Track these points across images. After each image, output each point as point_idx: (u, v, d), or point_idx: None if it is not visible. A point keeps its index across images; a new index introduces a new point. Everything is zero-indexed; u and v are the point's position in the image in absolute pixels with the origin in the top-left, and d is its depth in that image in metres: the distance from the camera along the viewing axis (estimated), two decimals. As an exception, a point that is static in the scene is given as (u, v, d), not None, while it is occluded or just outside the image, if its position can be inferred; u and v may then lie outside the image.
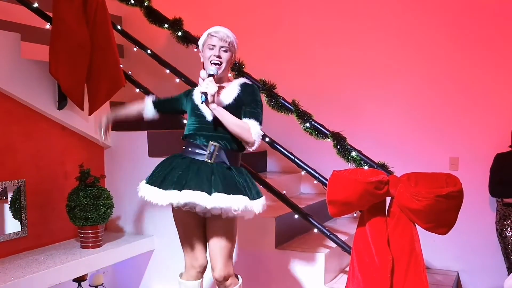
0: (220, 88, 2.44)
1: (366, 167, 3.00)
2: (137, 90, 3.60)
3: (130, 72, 3.64)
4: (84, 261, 2.93)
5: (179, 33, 3.45)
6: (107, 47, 3.13)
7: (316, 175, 3.12)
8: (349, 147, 3.08)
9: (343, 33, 4.11)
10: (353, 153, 3.06)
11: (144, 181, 2.41)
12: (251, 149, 2.45)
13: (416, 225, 2.45)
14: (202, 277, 2.52)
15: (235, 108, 2.39)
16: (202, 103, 2.32)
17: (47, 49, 2.96)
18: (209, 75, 2.37)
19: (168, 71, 3.66)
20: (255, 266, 3.18)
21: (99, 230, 3.09)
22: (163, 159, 2.49)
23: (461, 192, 2.33)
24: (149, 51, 3.65)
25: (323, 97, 4.09)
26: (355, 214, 3.35)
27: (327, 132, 3.12)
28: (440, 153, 3.84)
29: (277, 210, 3.39)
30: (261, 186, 3.23)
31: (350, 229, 3.60)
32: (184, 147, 2.45)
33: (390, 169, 2.99)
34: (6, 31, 2.95)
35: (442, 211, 2.36)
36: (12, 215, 2.95)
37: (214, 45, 2.40)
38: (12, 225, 2.94)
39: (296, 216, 3.15)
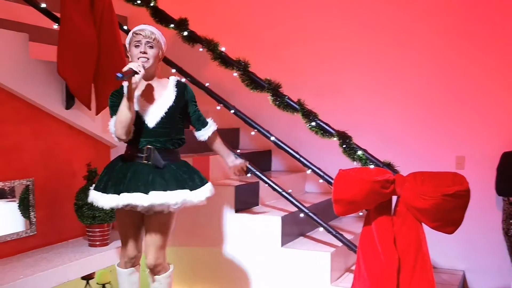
0: (150, 86, 2.55)
1: (372, 166, 3.01)
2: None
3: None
4: (92, 259, 2.95)
5: (185, 33, 3.47)
6: (113, 47, 3.15)
7: (322, 174, 3.12)
8: (354, 146, 3.09)
9: (348, 31, 4.11)
10: (359, 152, 3.07)
11: (93, 187, 2.60)
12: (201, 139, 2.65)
13: (423, 224, 2.46)
14: (133, 266, 2.70)
15: (175, 109, 2.53)
16: (120, 77, 2.31)
17: (55, 49, 2.98)
18: (132, 72, 2.36)
19: (174, 70, 3.68)
20: (260, 265, 3.19)
21: (107, 228, 3.12)
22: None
23: (468, 191, 2.33)
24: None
25: (328, 96, 4.09)
26: (360, 213, 3.36)
27: (333, 131, 3.13)
28: (446, 152, 3.84)
29: (283, 209, 3.41)
30: (266, 185, 3.25)
31: (355, 228, 3.60)
32: (125, 149, 2.62)
33: (396, 168, 3.00)
34: (15, 31, 2.97)
35: (449, 210, 2.36)
36: (20, 213, 2.97)
37: (139, 42, 2.46)
38: (21, 224, 2.97)
39: (301, 215, 3.16)
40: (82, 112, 3.26)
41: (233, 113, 3.43)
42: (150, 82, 2.55)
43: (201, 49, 3.51)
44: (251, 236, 3.22)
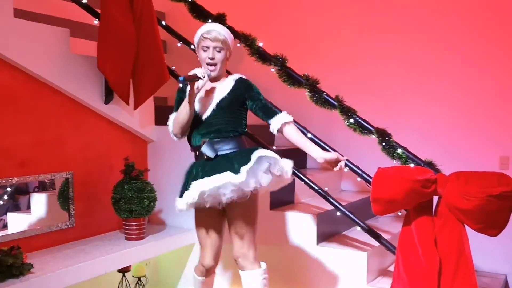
0: (214, 87, 2.52)
1: (412, 165, 2.92)
2: (180, 85, 3.64)
3: (173, 67, 3.68)
4: (128, 253, 2.99)
5: (223, 28, 3.46)
6: (152, 43, 3.18)
7: (360, 172, 3.06)
8: (394, 144, 3.00)
9: (388, 27, 4.02)
10: (399, 150, 2.98)
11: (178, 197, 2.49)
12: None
13: (465, 225, 2.37)
14: (207, 276, 2.64)
15: (229, 101, 2.47)
16: (181, 81, 2.32)
17: (95, 45, 3.03)
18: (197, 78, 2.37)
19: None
20: (295, 263, 3.16)
21: (143, 222, 3.15)
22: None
23: (514, 192, 2.23)
24: (192, 47, 3.67)
25: (367, 93, 4.01)
26: (399, 213, 3.27)
27: (372, 128, 3.06)
28: (489, 151, 3.70)
29: (318, 207, 3.36)
30: (302, 182, 3.21)
31: (393, 228, 3.52)
32: (192, 150, 2.56)
33: (437, 167, 2.90)
34: (56, 26, 3.03)
35: (494, 211, 2.27)
36: (60, 206, 3.04)
37: (207, 47, 2.44)
38: (61, 216, 3.03)
39: (338, 213, 3.11)
40: (120, 107, 3.30)
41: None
42: (214, 83, 2.53)
43: (238, 45, 3.49)
44: (286, 233, 3.19)
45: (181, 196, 2.45)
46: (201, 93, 2.52)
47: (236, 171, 2.31)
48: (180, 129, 2.53)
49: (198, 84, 2.37)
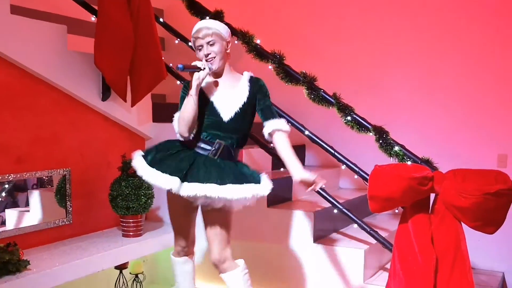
0: (224, 80, 2.48)
1: (409, 162, 2.92)
2: (178, 82, 3.63)
3: (171, 65, 3.67)
4: (126, 250, 2.99)
5: (220, 25, 3.45)
6: (149, 40, 3.17)
7: (357, 169, 3.06)
8: (391, 141, 3.00)
9: (387, 25, 4.01)
10: (396, 148, 2.98)
11: (141, 155, 2.45)
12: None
13: (462, 223, 2.37)
14: (186, 255, 2.66)
15: (248, 105, 2.45)
16: (180, 68, 2.29)
17: (92, 42, 3.02)
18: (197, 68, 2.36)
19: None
20: (292, 260, 3.16)
21: (140, 219, 3.15)
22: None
23: (511, 190, 2.23)
24: (190, 44, 3.66)
25: (365, 90, 4.01)
26: (396, 211, 3.27)
27: (369, 126, 3.06)
28: (487, 149, 3.70)
29: (316, 204, 3.36)
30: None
31: (390, 225, 3.52)
32: (192, 138, 2.48)
33: (434, 165, 2.90)
34: (53, 23, 3.02)
35: (490, 209, 2.26)
36: (57, 203, 3.04)
37: (201, 46, 2.42)
38: (58, 213, 3.03)
39: (335, 211, 3.11)
40: (117, 104, 3.30)
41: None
42: (223, 76, 2.50)
43: (236, 42, 3.48)
44: (283, 231, 3.19)
45: (146, 159, 2.40)
46: (216, 89, 2.47)
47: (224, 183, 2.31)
48: (186, 126, 2.39)
49: (199, 75, 2.34)
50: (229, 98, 2.45)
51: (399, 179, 2.36)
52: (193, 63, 2.37)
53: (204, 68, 2.36)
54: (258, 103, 2.49)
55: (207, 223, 2.47)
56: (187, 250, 2.66)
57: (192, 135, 2.48)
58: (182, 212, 2.55)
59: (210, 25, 2.42)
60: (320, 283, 3.08)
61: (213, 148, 2.42)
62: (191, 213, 2.58)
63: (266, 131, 2.47)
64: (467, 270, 2.32)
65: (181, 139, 2.49)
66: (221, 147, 2.42)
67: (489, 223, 2.33)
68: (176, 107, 2.54)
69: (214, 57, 2.42)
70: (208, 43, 2.41)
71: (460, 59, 3.78)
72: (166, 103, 4.43)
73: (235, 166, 2.44)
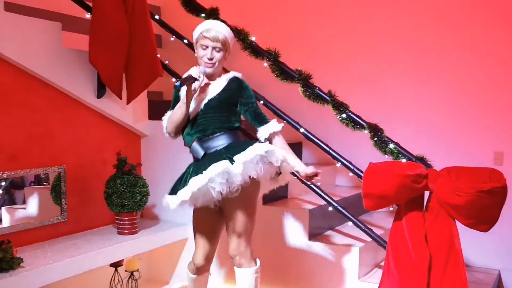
0: (208, 85, 2.49)
1: (404, 160, 2.92)
2: (174, 79, 3.63)
3: (167, 62, 3.67)
4: (121, 247, 2.99)
5: (216, 23, 3.44)
6: (145, 37, 3.16)
7: (352, 167, 3.06)
8: (386, 139, 3.00)
9: (381, 23, 3.99)
10: (391, 146, 2.98)
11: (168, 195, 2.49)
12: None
13: (456, 221, 2.37)
14: (200, 274, 2.62)
15: (218, 101, 2.44)
16: (178, 86, 2.33)
17: (87, 39, 3.01)
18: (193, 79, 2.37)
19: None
20: (288, 258, 3.16)
21: (135, 217, 3.15)
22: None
23: (505, 188, 2.23)
24: (185, 41, 3.66)
25: (360, 88, 4.00)
26: (391, 208, 3.27)
27: (364, 124, 3.06)
28: (484, 147, 3.69)
29: (311, 202, 3.36)
30: (295, 177, 3.20)
31: (385, 223, 3.52)
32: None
33: (429, 162, 2.90)
34: (48, 20, 3.01)
35: (484, 207, 2.26)
36: (52, 200, 3.04)
37: (206, 46, 2.41)
38: (53, 210, 3.03)
39: (330, 208, 3.11)
40: (113, 101, 3.29)
41: (263, 104, 3.39)
42: (211, 81, 2.50)
43: (231, 39, 3.48)
44: (278, 229, 3.19)
45: (170, 193, 2.46)
46: (205, 94, 2.49)
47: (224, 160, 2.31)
48: (174, 128, 2.51)
49: (195, 85, 2.37)
50: (200, 97, 2.46)
51: (393, 176, 2.36)
52: (188, 73, 2.38)
53: (200, 77, 2.37)
54: (243, 107, 2.48)
55: (226, 216, 2.44)
56: (201, 269, 2.60)
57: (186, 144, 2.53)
58: (203, 221, 2.54)
59: (222, 30, 2.43)
60: (315, 281, 3.08)
61: (194, 151, 2.46)
62: (212, 222, 2.53)
63: (262, 136, 2.49)
64: (461, 267, 2.32)
65: (168, 137, 2.59)
66: (197, 147, 2.43)
67: (483, 221, 2.33)
68: (173, 105, 2.58)
69: (214, 64, 2.43)
70: (214, 47, 2.41)
71: (456, 55, 3.77)
72: (162, 100, 4.42)
73: (233, 145, 2.41)
